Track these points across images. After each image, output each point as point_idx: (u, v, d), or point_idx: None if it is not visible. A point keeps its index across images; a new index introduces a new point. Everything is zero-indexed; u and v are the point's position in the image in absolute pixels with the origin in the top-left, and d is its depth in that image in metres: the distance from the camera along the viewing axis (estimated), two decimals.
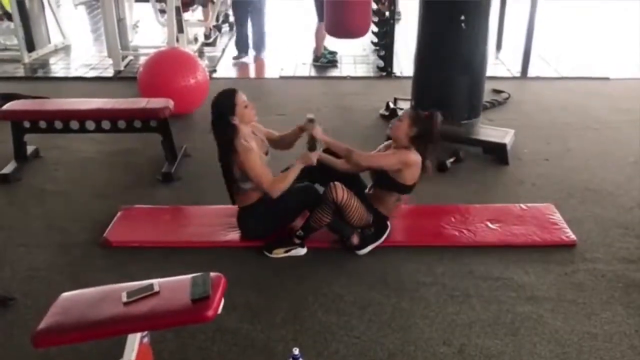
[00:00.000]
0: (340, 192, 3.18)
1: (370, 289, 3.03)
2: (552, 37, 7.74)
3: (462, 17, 4.49)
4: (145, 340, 2.47)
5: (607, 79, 6.22)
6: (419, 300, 2.95)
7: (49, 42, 7.34)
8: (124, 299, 2.12)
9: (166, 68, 5.06)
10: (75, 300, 2.22)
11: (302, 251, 3.31)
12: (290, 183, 3.26)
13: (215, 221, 3.57)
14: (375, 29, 6.58)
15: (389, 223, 3.35)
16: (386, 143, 3.47)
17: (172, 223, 3.60)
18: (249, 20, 6.93)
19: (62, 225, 3.64)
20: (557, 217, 3.60)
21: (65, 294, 2.27)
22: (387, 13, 6.23)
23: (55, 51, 7.35)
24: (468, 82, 4.74)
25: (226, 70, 6.77)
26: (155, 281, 2.21)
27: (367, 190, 3.45)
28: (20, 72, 6.61)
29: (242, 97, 3.25)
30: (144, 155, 4.53)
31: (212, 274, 2.19)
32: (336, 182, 3.21)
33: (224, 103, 3.21)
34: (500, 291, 3.01)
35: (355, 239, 3.30)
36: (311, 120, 3.36)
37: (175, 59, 5.21)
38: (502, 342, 2.66)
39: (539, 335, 2.71)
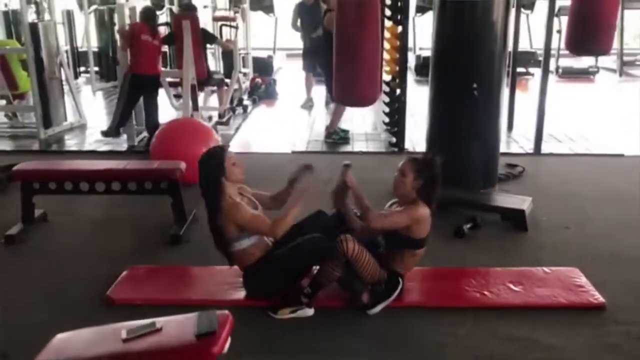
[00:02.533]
0: (351, 245, 3.05)
1: (388, 351, 2.83)
2: (563, 117, 7.78)
3: (475, 85, 4.53)
4: None
5: (622, 155, 6.17)
6: None
7: (66, 120, 7.47)
8: (124, 336, 1.97)
9: (180, 136, 5.07)
10: (71, 339, 2.07)
11: (310, 312, 3.11)
12: (293, 219, 3.12)
13: (222, 280, 3.41)
14: (387, 104, 6.65)
15: (400, 279, 3.18)
16: (391, 202, 3.37)
17: (177, 282, 3.45)
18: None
19: (64, 285, 3.49)
20: (583, 280, 3.42)
21: (61, 335, 2.11)
22: (398, 90, 6.31)
23: (71, 129, 7.46)
24: (482, 151, 4.72)
25: (239, 147, 6.80)
26: (158, 319, 2.06)
27: (380, 250, 3.31)
28: (36, 146, 6.68)
29: (230, 155, 3.19)
30: (152, 220, 4.43)
31: (218, 311, 2.04)
32: (347, 235, 3.09)
33: (213, 162, 3.14)
34: (528, 353, 2.80)
35: (365, 297, 3.13)
36: (347, 166, 3.26)
37: (189, 128, 5.23)
38: None
39: None
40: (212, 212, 3.15)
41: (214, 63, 10.16)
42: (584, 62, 12.26)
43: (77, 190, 4.16)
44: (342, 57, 4.16)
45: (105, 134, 6.58)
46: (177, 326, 2.01)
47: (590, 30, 4.50)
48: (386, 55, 6.51)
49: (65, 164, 4.39)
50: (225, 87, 8.07)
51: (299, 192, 3.24)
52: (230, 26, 8.83)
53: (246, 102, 8.87)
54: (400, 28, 6.22)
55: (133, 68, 6.44)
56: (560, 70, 11.57)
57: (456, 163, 4.81)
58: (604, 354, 2.79)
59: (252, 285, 3.24)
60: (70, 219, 4.51)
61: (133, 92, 6.47)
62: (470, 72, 4.61)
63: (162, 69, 7.14)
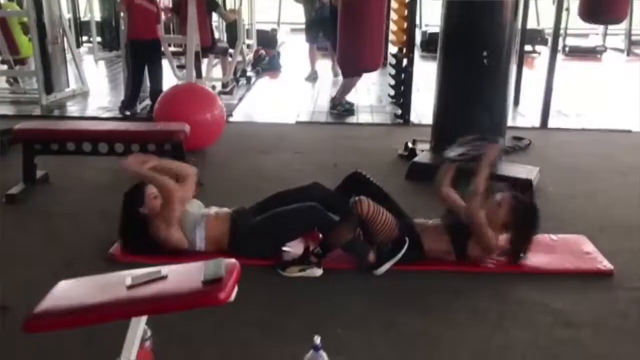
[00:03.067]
0: (366, 206, 3.01)
1: (394, 309, 2.80)
2: (570, 94, 7.70)
3: (485, 53, 4.45)
4: (147, 344, 2.25)
5: (630, 131, 6.11)
6: (447, 322, 2.70)
7: (68, 86, 7.38)
8: (128, 283, 1.92)
9: (182, 101, 4.99)
10: (74, 286, 2.02)
11: (318, 272, 3.08)
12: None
13: None
14: (393, 77, 6.58)
15: (407, 239, 3.13)
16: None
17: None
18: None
19: (66, 242, 3.45)
20: (591, 247, 3.38)
21: (64, 282, 2.06)
22: (404, 61, 6.23)
23: (73, 96, 7.38)
24: (490, 121, 4.63)
25: (242, 116, 6.73)
26: (163, 267, 2.01)
27: (426, 220, 3.27)
28: (37, 112, 6.60)
29: (149, 189, 3.19)
30: None
31: (225, 259, 1.99)
32: (362, 197, 3.04)
33: (133, 197, 3.23)
34: (536, 316, 2.76)
35: (371, 257, 3.08)
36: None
37: (193, 93, 5.16)
38: None
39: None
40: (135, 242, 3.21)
41: (218, 35, 10.04)
42: (591, 41, 12.15)
43: (79, 151, 4.10)
44: (346, 26, 4.12)
45: (121, 109, 6.50)
46: (183, 273, 1.96)
47: None
48: (393, 27, 6.43)
49: (68, 124, 4.34)
50: (229, 58, 7.98)
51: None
52: None
53: (250, 73, 8.78)
54: None
55: (130, 34, 6.34)
56: (567, 49, 11.45)
57: (463, 133, 4.74)
58: (612, 318, 2.75)
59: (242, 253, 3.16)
60: (73, 180, 4.45)
61: (134, 60, 6.37)
62: (480, 42, 4.52)
63: (166, 35, 7.03)
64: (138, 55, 6.33)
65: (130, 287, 1.89)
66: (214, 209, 3.27)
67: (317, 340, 1.83)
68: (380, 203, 3.14)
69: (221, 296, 1.80)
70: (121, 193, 4.23)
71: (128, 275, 1.97)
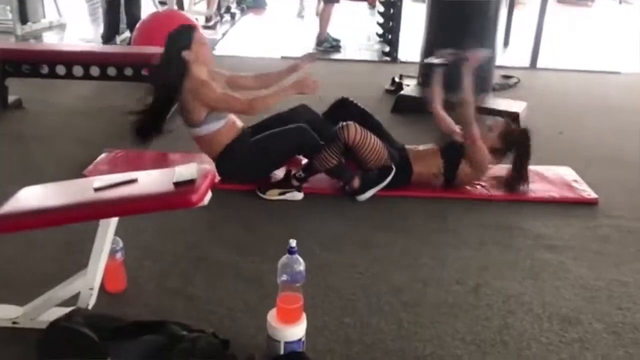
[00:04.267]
0: (353, 131, 2.91)
1: (374, 231, 2.74)
2: (560, 37, 7.59)
3: None
4: (119, 256, 2.18)
5: (619, 73, 6.02)
6: (427, 244, 2.66)
7: (44, 17, 7.11)
8: (96, 186, 1.83)
9: (162, 28, 4.76)
10: (38, 191, 1.93)
11: (299, 196, 3.01)
12: (275, 101, 2.95)
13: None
14: (381, 14, 6.41)
15: (393, 167, 3.06)
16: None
17: (154, 165, 3.28)
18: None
19: (39, 165, 3.34)
20: (577, 177, 3.33)
21: (28, 187, 1.97)
22: None
23: (50, 27, 7.11)
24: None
25: (224, 51, 6.54)
26: (134, 172, 1.92)
27: (416, 146, 3.20)
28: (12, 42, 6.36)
29: (200, 34, 2.97)
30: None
31: (199, 165, 1.90)
32: (348, 122, 2.95)
33: (180, 36, 2.93)
34: (517, 239, 2.72)
35: (356, 182, 3.01)
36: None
37: (172, 20, 4.93)
38: (521, 284, 2.36)
39: (562, 280, 2.41)
40: (170, 88, 2.95)
41: None
42: None
43: (53, 74, 3.94)
44: None
45: (103, 41, 6.23)
46: (154, 177, 1.88)
47: None
48: None
49: (41, 46, 4.14)
50: None
51: (296, 81, 2.99)
52: None
53: (234, 10, 8.52)
54: None
55: None
56: None
57: (450, 68, 4.63)
58: (594, 242, 2.72)
59: (226, 172, 3.07)
60: (46, 105, 4.31)
61: None
62: None
63: None
64: None
65: (98, 190, 1.81)
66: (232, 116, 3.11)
67: (293, 243, 1.76)
68: (370, 130, 3.05)
69: (193, 198, 1.72)
70: (96, 119, 4.14)
71: (97, 180, 1.88)
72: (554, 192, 3.15)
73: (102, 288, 2.09)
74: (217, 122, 2.98)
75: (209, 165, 1.91)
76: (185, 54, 2.90)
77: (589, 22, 9.72)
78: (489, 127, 3.12)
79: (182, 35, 2.95)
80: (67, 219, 1.75)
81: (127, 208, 1.75)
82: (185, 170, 1.82)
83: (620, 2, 11.51)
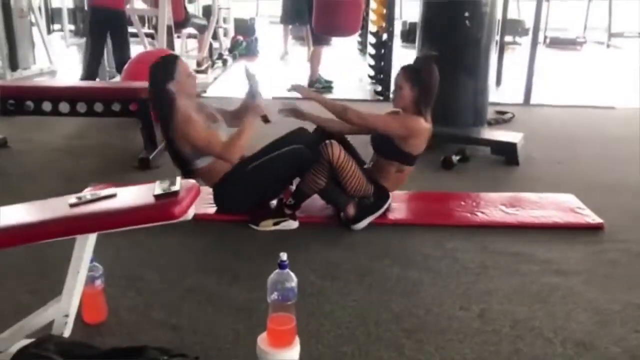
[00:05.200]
0: (337, 150, 2.81)
1: (371, 260, 2.60)
2: (552, 78, 7.61)
3: (467, 14, 4.29)
4: (98, 283, 2.04)
5: (613, 108, 5.99)
6: (426, 270, 2.52)
7: (35, 63, 7.09)
8: (72, 201, 1.70)
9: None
10: (13, 209, 1.80)
11: (294, 224, 2.88)
12: (247, 140, 2.81)
13: None
14: (372, 56, 6.42)
15: (390, 193, 2.95)
16: (392, 110, 3.13)
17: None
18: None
19: (24, 200, 3.18)
20: (580, 204, 3.22)
21: (3, 207, 1.84)
22: (384, 35, 6.06)
23: (40, 74, 7.08)
24: (472, 86, 4.48)
25: (216, 93, 6.50)
26: (113, 188, 1.80)
27: (367, 165, 3.09)
28: None
29: (184, 65, 2.90)
30: (120, 147, 4.16)
31: (183, 179, 1.78)
32: (332, 140, 2.85)
33: (164, 67, 2.85)
34: (521, 264, 2.59)
35: (351, 209, 2.88)
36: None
37: None
38: (529, 309, 2.22)
39: (573, 303, 2.27)
40: (164, 126, 2.85)
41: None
42: (572, 32, 12.15)
43: (39, 110, 3.85)
44: None
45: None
46: (134, 192, 1.75)
47: None
48: (372, 15, 6.34)
49: (26, 83, 4.07)
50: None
51: (253, 111, 2.89)
52: None
53: (226, 57, 8.55)
54: None
55: (92, 1, 5.81)
56: (548, 40, 11.40)
57: (445, 102, 4.57)
58: (602, 266, 2.59)
59: (223, 201, 2.96)
60: (32, 143, 4.22)
61: (96, 29, 5.74)
62: (461, 9, 4.35)
63: (137, 6, 6.78)
64: (99, 25, 5.73)
65: (73, 205, 1.68)
66: None
67: (284, 256, 1.62)
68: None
69: (175, 210, 1.59)
70: (82, 156, 4.02)
71: (73, 197, 1.76)
72: (557, 218, 3.04)
73: (79, 318, 1.94)
74: (211, 157, 2.88)
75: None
76: (171, 85, 2.82)
77: (579, 63, 9.82)
78: (398, 85, 2.96)
79: (166, 66, 2.86)
80: (40, 235, 1.61)
81: (105, 222, 1.62)
82: (166, 183, 1.70)
83: (608, 46, 11.66)
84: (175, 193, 1.63)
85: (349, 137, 3.17)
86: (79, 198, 1.69)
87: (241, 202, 2.93)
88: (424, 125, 2.93)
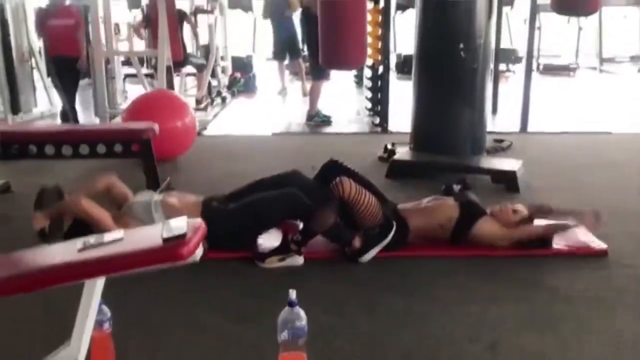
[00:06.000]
0: (347, 185, 2.83)
1: (378, 293, 2.61)
2: (547, 104, 7.67)
3: (461, 45, 4.36)
4: (106, 327, 2.02)
5: (610, 133, 6.04)
6: (434, 301, 2.52)
7: (36, 106, 7.16)
8: (79, 247, 1.70)
9: (152, 107, 4.79)
10: (17, 256, 1.80)
11: (300, 260, 2.87)
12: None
13: None
14: (369, 89, 6.49)
15: (394, 222, 2.95)
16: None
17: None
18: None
19: (27, 245, 3.18)
20: (583, 230, 3.21)
21: (3, 254, 1.84)
22: (380, 68, 6.14)
23: (42, 117, 7.15)
24: (470, 115, 4.53)
25: (216, 130, 6.55)
26: (121, 231, 1.80)
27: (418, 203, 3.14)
28: None
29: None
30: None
31: (189, 219, 1.79)
32: (342, 177, 2.87)
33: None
34: (529, 292, 2.59)
35: (357, 242, 2.88)
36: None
37: (162, 100, 4.97)
38: (541, 339, 2.21)
39: (584, 333, 2.26)
40: None
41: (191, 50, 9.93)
42: (564, 59, 12.30)
43: (41, 154, 3.86)
44: (328, 24, 4.07)
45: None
46: (141, 235, 1.76)
47: None
48: (368, 50, 6.41)
49: (28, 127, 4.10)
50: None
51: None
52: (206, 11, 8.61)
53: (225, 94, 8.63)
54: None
55: (50, 50, 6.39)
56: (541, 67, 11.53)
57: (444, 131, 4.63)
58: (609, 293, 2.58)
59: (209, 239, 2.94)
60: (36, 189, 4.15)
61: (57, 76, 6.28)
62: (456, 38, 4.43)
63: (138, 49, 6.90)
64: (57, 72, 6.27)
65: (81, 250, 1.68)
66: (173, 194, 3.06)
67: (293, 295, 1.62)
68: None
69: (183, 251, 1.59)
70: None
71: (80, 241, 1.76)
72: (563, 246, 3.03)
73: None
74: (158, 213, 2.90)
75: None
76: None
77: (573, 89, 9.91)
78: (514, 209, 3.08)
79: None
80: (48, 281, 1.60)
81: (113, 266, 1.62)
82: (174, 225, 1.70)
83: (600, 71, 11.78)
84: (183, 235, 1.63)
85: None
86: (85, 243, 1.70)
87: (232, 241, 2.91)
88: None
